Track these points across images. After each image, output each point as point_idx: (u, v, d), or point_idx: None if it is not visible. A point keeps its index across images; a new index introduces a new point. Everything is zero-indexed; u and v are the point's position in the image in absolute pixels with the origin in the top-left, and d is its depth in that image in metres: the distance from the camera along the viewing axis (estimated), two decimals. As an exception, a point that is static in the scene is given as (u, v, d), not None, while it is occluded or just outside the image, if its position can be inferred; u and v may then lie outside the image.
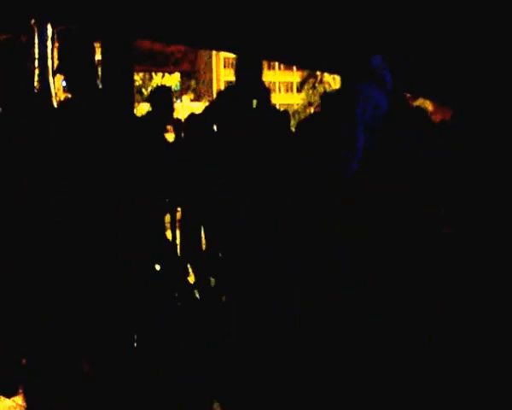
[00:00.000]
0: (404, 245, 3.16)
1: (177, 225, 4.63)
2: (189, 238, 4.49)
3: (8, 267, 3.10)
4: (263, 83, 4.23)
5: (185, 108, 25.95)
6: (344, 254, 3.07)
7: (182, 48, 10.64)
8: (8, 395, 3.46)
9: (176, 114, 5.71)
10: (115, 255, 3.20)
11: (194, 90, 39.49)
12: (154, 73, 29.00)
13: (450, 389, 3.02)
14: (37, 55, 6.51)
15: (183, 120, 6.01)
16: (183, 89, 35.91)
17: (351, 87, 2.99)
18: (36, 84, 6.74)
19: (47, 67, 6.71)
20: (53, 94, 6.95)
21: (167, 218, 4.57)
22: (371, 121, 3.00)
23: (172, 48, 10.50)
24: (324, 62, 6.98)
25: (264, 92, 4.26)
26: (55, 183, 3.11)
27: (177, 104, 28.24)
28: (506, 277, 3.35)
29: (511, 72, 3.56)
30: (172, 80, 31.40)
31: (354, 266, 3.06)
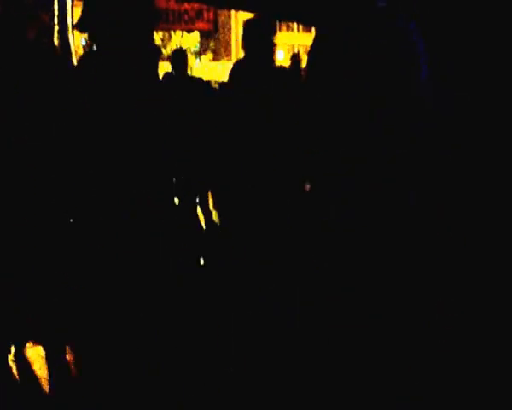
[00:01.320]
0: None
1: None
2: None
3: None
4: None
5: (204, 67, 25.78)
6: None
7: (196, 6, 10.51)
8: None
9: (195, 74, 5.70)
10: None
11: (213, 51, 39.11)
12: (173, 33, 28.71)
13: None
14: (56, 12, 6.42)
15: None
16: (202, 49, 35.57)
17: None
18: (55, 41, 6.66)
19: (66, 23, 6.63)
20: (72, 51, 6.87)
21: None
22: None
23: (186, 6, 10.36)
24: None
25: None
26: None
27: (197, 64, 28.05)
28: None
29: None
30: (192, 40, 31.09)
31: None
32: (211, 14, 11.21)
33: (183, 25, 10.97)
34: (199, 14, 10.95)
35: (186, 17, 10.79)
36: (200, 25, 11.18)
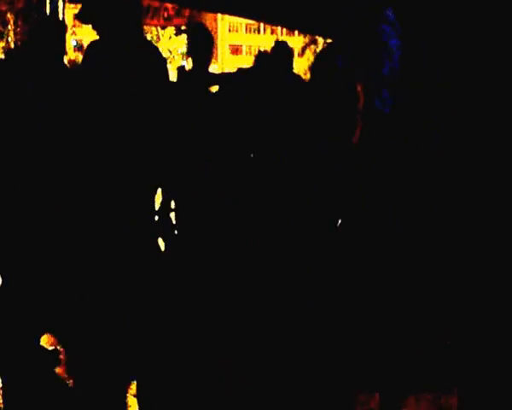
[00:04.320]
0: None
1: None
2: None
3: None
4: None
5: (191, 69, 25.59)
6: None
7: (176, 6, 10.52)
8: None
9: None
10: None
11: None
12: (161, 35, 28.62)
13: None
14: (48, 14, 6.42)
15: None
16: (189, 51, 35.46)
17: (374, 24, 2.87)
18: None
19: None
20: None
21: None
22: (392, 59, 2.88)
23: (167, 4, 10.37)
24: (324, 28, 6.86)
25: None
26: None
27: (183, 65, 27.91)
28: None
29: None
30: (179, 42, 30.98)
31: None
32: (186, 11, 11.21)
33: (161, 21, 10.99)
34: (178, 11, 10.96)
35: (165, 14, 10.80)
36: (176, 21, 11.21)
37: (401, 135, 3.10)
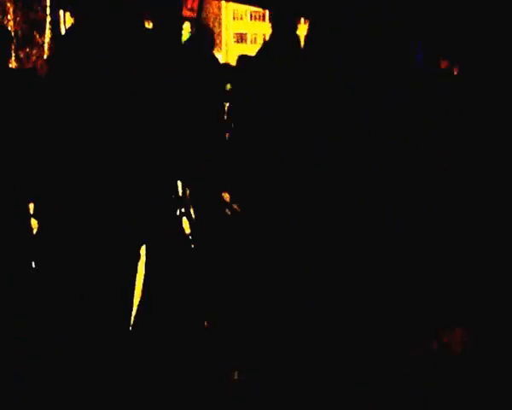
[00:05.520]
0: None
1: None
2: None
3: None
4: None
5: (195, 58, 25.55)
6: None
7: (181, -4, 10.54)
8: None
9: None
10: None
11: (203, 41, 38.97)
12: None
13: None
14: (48, 4, 6.35)
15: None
16: (193, 39, 35.41)
17: None
18: (47, 31, 6.60)
19: (58, 15, 6.57)
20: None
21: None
22: None
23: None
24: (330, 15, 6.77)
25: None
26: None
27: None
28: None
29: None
30: (183, 30, 30.97)
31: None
32: (195, 3, 11.11)
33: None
34: (183, 1, 10.89)
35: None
36: (183, 12, 11.15)
37: (401, 135, 3.15)
